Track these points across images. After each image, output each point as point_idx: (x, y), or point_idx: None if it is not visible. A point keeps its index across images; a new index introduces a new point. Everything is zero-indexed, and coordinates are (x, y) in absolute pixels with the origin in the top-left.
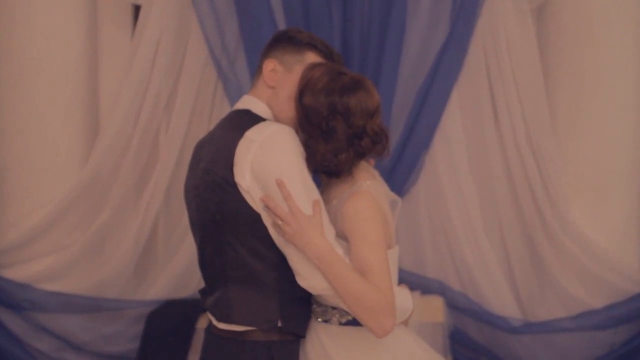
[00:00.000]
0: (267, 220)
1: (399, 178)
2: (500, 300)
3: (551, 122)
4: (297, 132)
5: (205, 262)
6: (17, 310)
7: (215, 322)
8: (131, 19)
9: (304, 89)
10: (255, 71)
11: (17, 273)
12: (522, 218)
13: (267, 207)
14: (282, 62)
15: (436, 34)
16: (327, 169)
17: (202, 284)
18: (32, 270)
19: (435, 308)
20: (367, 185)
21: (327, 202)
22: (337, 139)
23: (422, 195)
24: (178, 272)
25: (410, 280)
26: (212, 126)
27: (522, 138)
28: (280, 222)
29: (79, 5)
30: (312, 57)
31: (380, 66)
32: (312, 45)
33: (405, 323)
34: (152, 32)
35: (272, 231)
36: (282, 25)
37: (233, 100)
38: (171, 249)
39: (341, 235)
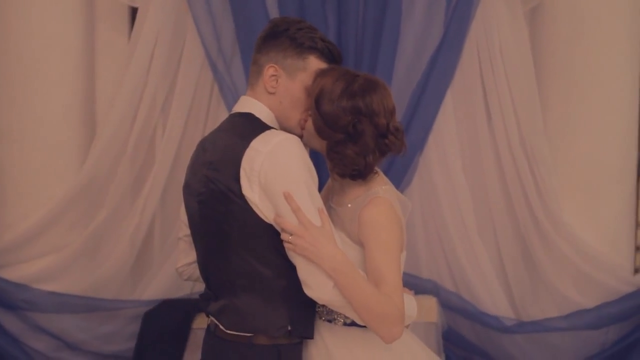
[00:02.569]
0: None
1: (393, 179)
2: (493, 300)
3: (543, 124)
4: (313, 139)
5: (210, 270)
6: (14, 310)
7: (222, 327)
8: (128, 20)
9: (320, 97)
10: (251, 66)
11: (14, 273)
12: (515, 219)
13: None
14: (283, 67)
15: (430, 37)
16: (356, 172)
17: (198, 286)
18: (29, 270)
19: (428, 308)
20: (384, 190)
21: (340, 204)
22: (365, 141)
23: (416, 196)
24: (174, 272)
25: (405, 280)
26: (208, 128)
27: (515, 139)
28: (290, 237)
29: (76, 7)
30: (314, 62)
31: (374, 68)
32: (315, 49)
33: (407, 326)
34: (148, 34)
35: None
36: None
37: (229, 102)
38: (167, 249)
39: (355, 240)
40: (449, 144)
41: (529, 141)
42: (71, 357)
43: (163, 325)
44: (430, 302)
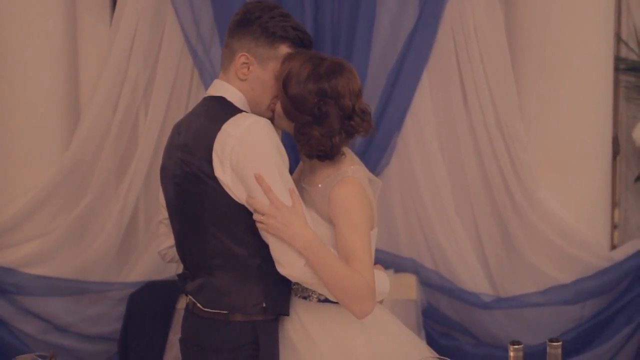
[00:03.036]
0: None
1: (372, 160)
2: (472, 276)
3: (519, 103)
4: (282, 121)
5: (186, 250)
6: (2, 294)
7: (199, 305)
8: (109, 7)
9: (288, 80)
10: (224, 49)
11: (2, 258)
12: (492, 197)
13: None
14: (255, 55)
15: (406, 18)
16: (322, 153)
17: (181, 267)
18: (17, 254)
19: (408, 285)
20: (353, 170)
21: (311, 185)
22: (331, 122)
23: (394, 176)
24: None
25: (384, 259)
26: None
27: (490, 119)
28: (262, 217)
29: None
30: (286, 51)
31: (351, 50)
32: (286, 38)
33: (381, 302)
34: (129, 21)
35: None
36: None
37: (209, 87)
38: (152, 232)
39: (326, 218)
40: (426, 124)
41: (505, 120)
42: (59, 339)
43: (148, 306)
44: (410, 280)
